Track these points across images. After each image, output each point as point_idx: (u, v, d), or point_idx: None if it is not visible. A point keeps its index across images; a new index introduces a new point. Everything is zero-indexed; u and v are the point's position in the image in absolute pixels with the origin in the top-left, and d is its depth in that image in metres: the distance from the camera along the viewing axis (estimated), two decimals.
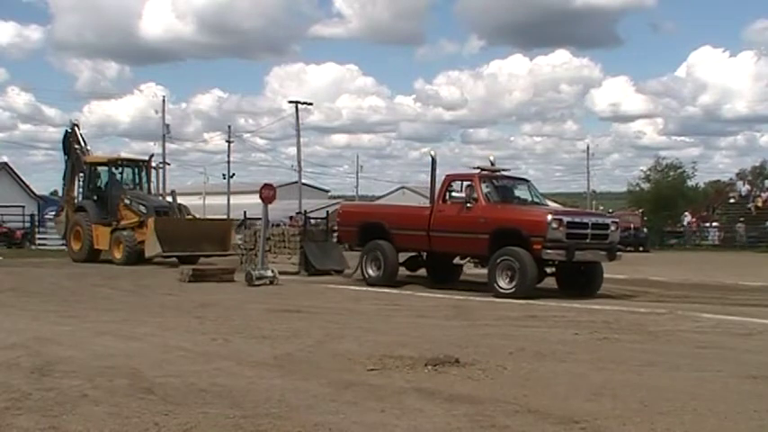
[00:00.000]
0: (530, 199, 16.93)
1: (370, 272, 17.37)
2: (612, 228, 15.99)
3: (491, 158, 17.82)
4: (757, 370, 7.32)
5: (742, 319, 11.39)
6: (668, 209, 54.43)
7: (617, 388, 6.39)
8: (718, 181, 74.17)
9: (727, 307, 13.40)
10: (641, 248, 40.83)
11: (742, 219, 46.89)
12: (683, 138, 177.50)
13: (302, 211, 32.16)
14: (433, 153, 17.71)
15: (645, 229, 45.74)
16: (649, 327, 10.48)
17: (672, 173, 61.79)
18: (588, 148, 79.55)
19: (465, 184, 16.30)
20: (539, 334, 9.84)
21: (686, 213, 50.84)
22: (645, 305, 13.55)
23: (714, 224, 49.05)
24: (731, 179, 61.79)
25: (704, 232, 48.73)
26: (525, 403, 5.83)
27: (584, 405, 5.81)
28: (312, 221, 23.61)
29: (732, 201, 51.74)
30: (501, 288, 14.87)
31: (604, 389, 6.35)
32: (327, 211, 29.88)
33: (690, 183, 63.22)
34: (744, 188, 52.58)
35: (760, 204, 48.32)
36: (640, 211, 50.44)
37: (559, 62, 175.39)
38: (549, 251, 14.77)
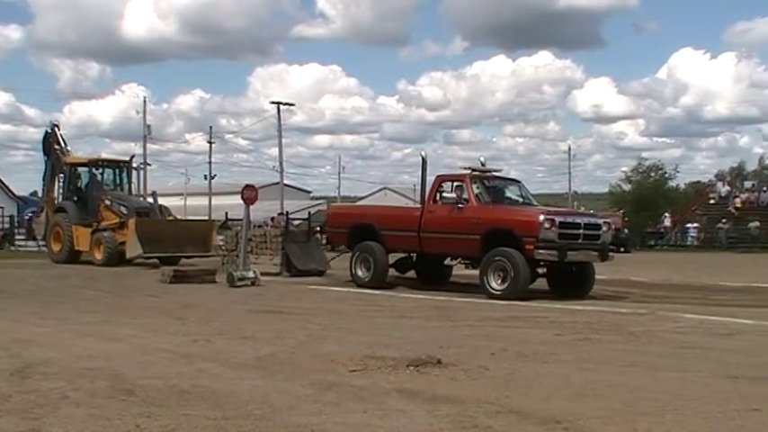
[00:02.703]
0: (521, 200, 16.93)
1: (360, 273, 17.23)
2: (604, 228, 16.00)
3: (481, 159, 17.75)
4: (738, 370, 7.37)
5: (723, 319, 11.47)
6: (649, 210, 54.67)
7: (599, 388, 6.42)
8: (699, 182, 74.80)
9: (708, 307, 13.48)
10: (622, 249, 40.81)
11: (724, 220, 47.29)
12: (664, 139, 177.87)
13: (284, 212, 32.09)
14: (423, 153, 17.71)
15: (626, 230, 45.94)
16: (631, 327, 10.53)
17: (653, 174, 62.08)
18: (570, 149, 79.99)
19: (456, 184, 16.31)
20: (521, 335, 9.87)
21: (666, 215, 51.14)
22: (626, 306, 13.61)
23: (694, 225, 49.38)
24: (710, 180, 62.33)
25: (685, 233, 49.03)
26: (507, 404, 5.84)
27: (567, 405, 5.83)
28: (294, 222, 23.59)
29: (712, 201, 52.11)
30: (493, 289, 14.79)
31: (586, 389, 6.38)
32: (309, 212, 29.95)
33: (671, 184, 63.57)
34: (723, 189, 52.94)
35: (739, 205, 48.72)
36: (621, 212, 50.64)
37: (542, 63, 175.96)
38: (541, 251, 14.70)
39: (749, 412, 5.72)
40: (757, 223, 46.17)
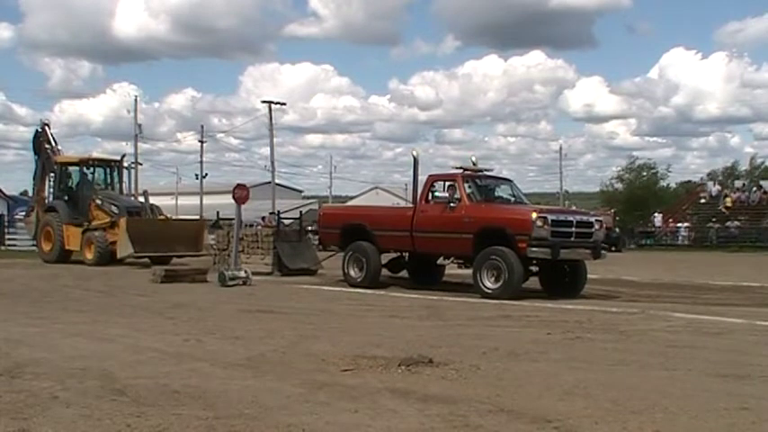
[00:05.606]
0: (513, 198, 16.90)
1: (352, 273, 17.20)
2: (597, 226, 15.97)
3: (473, 159, 17.75)
4: (727, 368, 7.39)
5: (712, 318, 11.51)
6: (640, 209, 54.87)
7: (589, 387, 6.43)
8: (690, 181, 75.08)
9: (698, 306, 13.53)
10: (613, 248, 40.98)
11: (714, 219, 47.53)
12: (655, 138, 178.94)
13: (275, 212, 32.09)
14: (415, 153, 17.64)
15: (617, 229, 46.07)
16: (621, 326, 10.55)
17: (645, 173, 62.29)
18: (561, 148, 79.86)
19: (448, 184, 16.29)
20: (512, 334, 9.87)
21: (656, 214, 51.30)
22: (617, 305, 13.65)
23: (685, 224, 49.57)
24: (701, 179, 62.57)
25: (675, 232, 49.23)
26: (498, 403, 5.85)
27: (557, 404, 5.84)
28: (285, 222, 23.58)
29: (703, 201, 52.34)
30: (487, 288, 14.75)
31: (577, 388, 6.39)
32: (300, 212, 29.92)
33: (662, 183, 63.82)
34: (714, 189, 53.22)
35: (729, 204, 48.93)
36: (612, 211, 50.80)
37: (534, 63, 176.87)
38: (534, 249, 14.63)
39: (738, 411, 5.74)
40: (737, 223, 46.80)
